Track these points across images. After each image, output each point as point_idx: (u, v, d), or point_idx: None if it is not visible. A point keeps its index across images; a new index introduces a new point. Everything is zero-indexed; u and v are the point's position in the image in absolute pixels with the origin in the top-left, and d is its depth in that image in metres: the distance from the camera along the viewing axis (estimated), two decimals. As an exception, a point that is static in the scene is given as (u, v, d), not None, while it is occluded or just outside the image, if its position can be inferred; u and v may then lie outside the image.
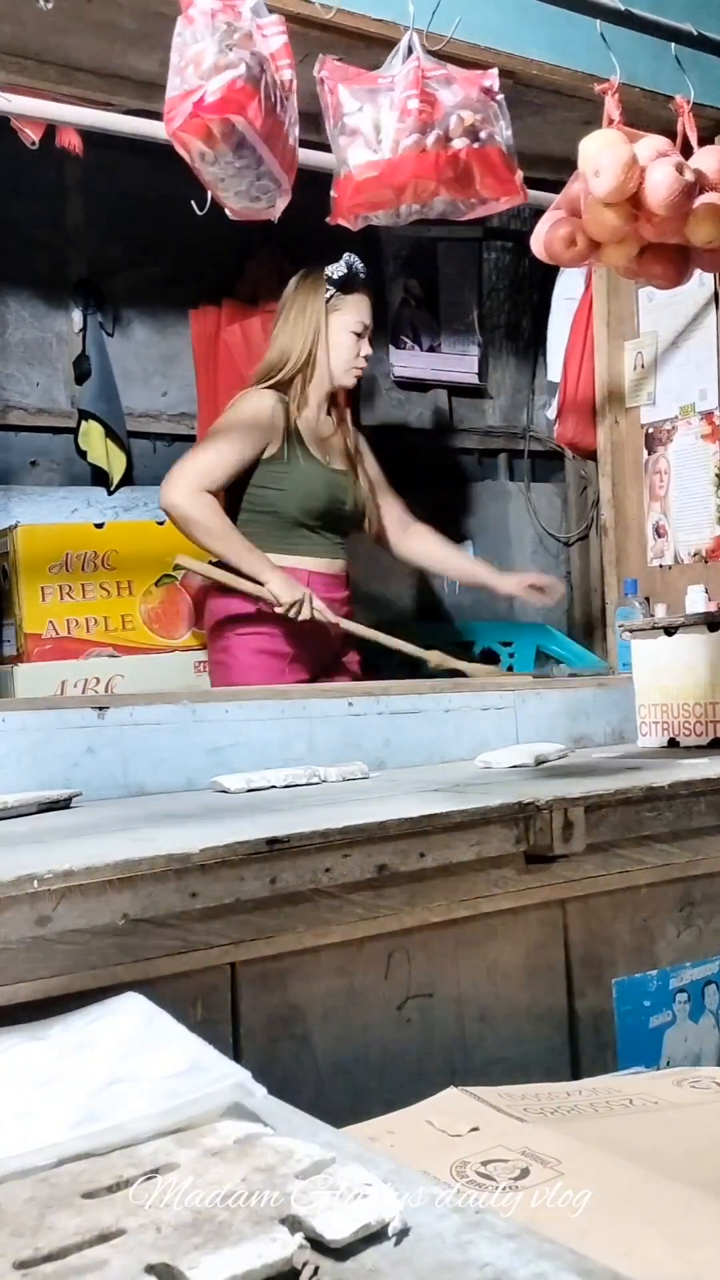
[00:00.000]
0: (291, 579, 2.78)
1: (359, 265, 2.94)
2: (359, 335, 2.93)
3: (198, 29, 1.77)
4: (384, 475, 3.11)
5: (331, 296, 2.90)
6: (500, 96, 2.04)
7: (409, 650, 2.91)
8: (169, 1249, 0.62)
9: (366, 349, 2.96)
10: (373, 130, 1.96)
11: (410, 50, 1.99)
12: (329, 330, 2.90)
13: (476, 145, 1.99)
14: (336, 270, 2.90)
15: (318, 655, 2.87)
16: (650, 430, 2.89)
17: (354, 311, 2.92)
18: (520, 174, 2.07)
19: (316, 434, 2.94)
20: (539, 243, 2.12)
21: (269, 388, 2.89)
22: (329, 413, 2.98)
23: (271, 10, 1.86)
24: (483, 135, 2.00)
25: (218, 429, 2.90)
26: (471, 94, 2.00)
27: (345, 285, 2.91)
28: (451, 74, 2.01)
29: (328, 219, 2.03)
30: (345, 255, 2.93)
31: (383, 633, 2.92)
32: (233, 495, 2.88)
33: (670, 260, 2.14)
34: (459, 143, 1.97)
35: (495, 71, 2.07)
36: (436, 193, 1.96)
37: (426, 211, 2.02)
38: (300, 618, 2.73)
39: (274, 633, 2.81)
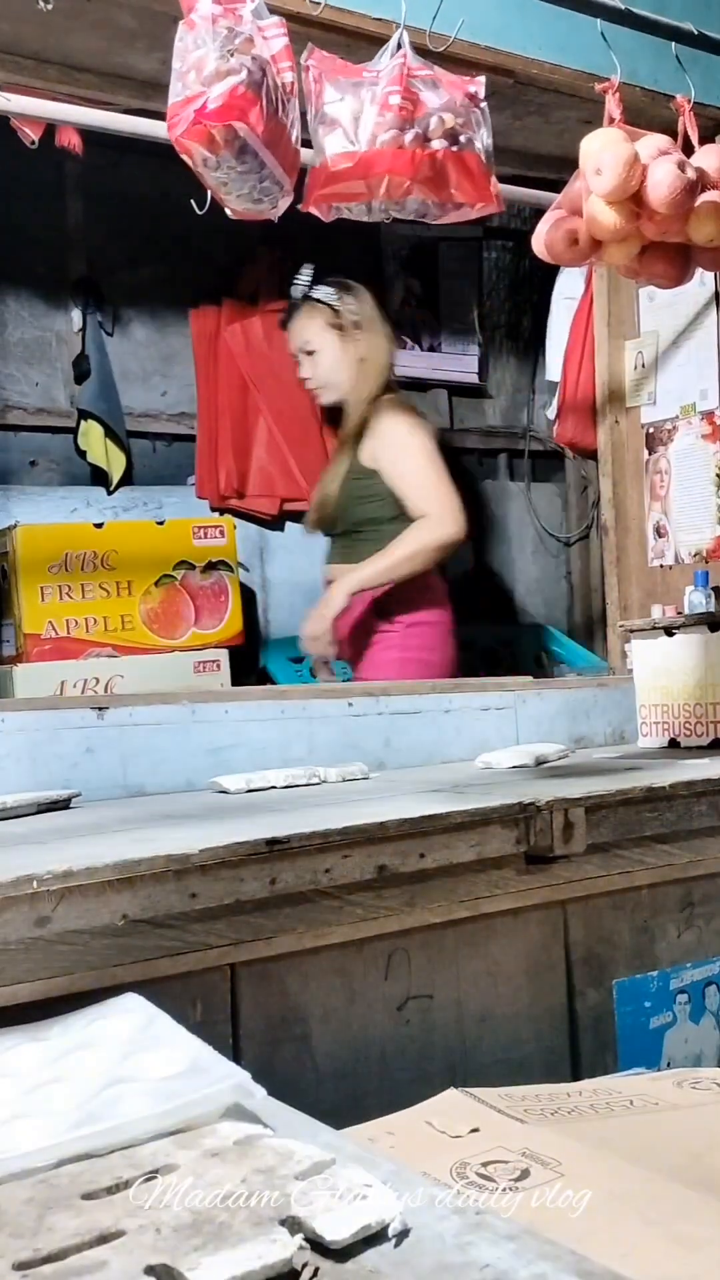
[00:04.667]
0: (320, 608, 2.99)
1: (298, 288, 3.12)
2: (299, 360, 3.11)
3: (199, 34, 1.77)
4: (412, 474, 3.04)
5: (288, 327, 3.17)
6: (484, 104, 2.04)
7: None
8: (169, 1250, 0.62)
9: (304, 370, 3.14)
10: (351, 122, 1.95)
11: (399, 47, 1.99)
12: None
13: (455, 149, 1.98)
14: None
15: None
16: (651, 430, 2.89)
17: (292, 338, 3.14)
18: (497, 183, 2.06)
19: (346, 441, 3.12)
20: (540, 242, 2.11)
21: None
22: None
23: (271, 11, 1.86)
24: (462, 139, 2.00)
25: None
26: (456, 98, 2.00)
27: (286, 318, 3.20)
28: (438, 76, 2.00)
29: (299, 206, 2.02)
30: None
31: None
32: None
33: (671, 259, 2.13)
34: (437, 144, 1.97)
35: (483, 79, 2.06)
36: (409, 191, 1.95)
37: (399, 210, 2.01)
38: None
39: None
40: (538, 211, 2.22)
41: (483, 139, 2.03)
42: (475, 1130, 1.02)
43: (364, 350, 3.08)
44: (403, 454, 3.00)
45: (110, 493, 4.08)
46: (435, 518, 2.91)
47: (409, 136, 1.94)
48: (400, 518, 2.97)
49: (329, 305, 3.08)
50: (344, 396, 3.11)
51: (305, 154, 2.01)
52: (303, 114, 1.98)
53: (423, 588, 3.01)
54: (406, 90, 1.94)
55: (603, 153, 1.94)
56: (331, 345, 3.08)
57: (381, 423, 3.03)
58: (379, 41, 2.09)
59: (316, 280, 3.10)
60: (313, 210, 2.01)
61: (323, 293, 3.09)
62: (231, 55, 1.75)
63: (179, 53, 1.79)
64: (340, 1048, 1.40)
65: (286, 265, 4.40)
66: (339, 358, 3.08)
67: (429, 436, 3.08)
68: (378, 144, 1.93)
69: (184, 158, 1.84)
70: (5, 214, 3.96)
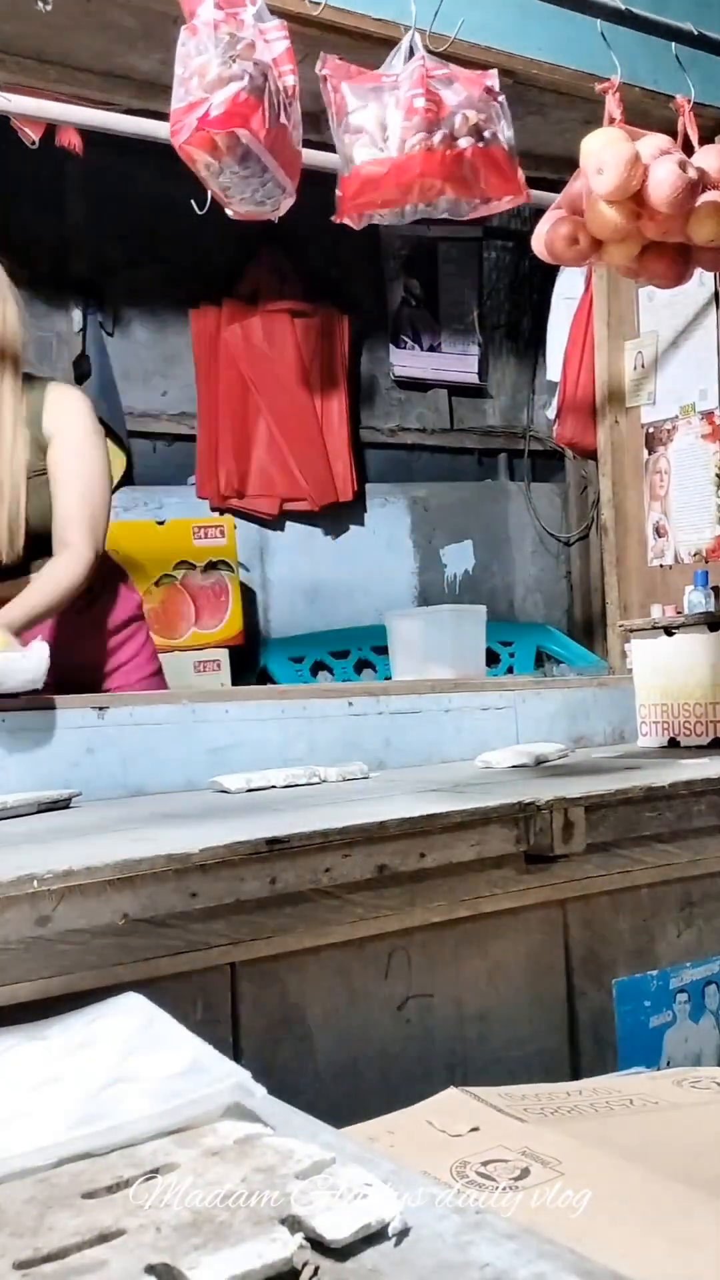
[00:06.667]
0: None
1: None
2: None
3: (201, 40, 1.78)
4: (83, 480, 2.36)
5: None
6: (502, 96, 2.05)
7: None
8: (169, 1249, 0.62)
9: None
10: (378, 128, 1.96)
11: (413, 50, 2.00)
12: None
13: (481, 144, 2.00)
14: None
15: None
16: (650, 430, 2.89)
17: None
18: (522, 173, 2.07)
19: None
20: (540, 242, 2.11)
21: None
22: None
23: (272, 12, 1.87)
24: (486, 134, 2.01)
25: None
26: (474, 93, 2.01)
27: None
28: (454, 73, 2.01)
29: (332, 218, 2.03)
30: None
31: None
32: None
33: (671, 259, 2.14)
34: (464, 142, 1.98)
35: (496, 71, 2.08)
36: (442, 191, 1.97)
37: (431, 211, 2.02)
38: None
39: None
40: (538, 211, 2.22)
41: (504, 131, 2.05)
42: (475, 1129, 1.02)
43: None
44: (78, 449, 2.34)
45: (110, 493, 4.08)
46: (76, 551, 2.22)
47: (437, 138, 1.95)
48: None
49: None
50: None
51: (329, 159, 2.02)
52: (317, 117, 1.98)
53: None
54: (429, 92, 1.95)
55: (604, 152, 1.94)
56: None
57: (52, 399, 2.36)
58: (380, 41, 2.09)
59: None
60: (345, 221, 2.02)
61: None
62: (234, 61, 1.76)
63: (181, 58, 1.80)
64: (340, 1047, 1.40)
65: (287, 264, 4.42)
66: None
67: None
68: (407, 149, 1.94)
69: (187, 163, 1.85)
70: (5, 214, 3.97)
